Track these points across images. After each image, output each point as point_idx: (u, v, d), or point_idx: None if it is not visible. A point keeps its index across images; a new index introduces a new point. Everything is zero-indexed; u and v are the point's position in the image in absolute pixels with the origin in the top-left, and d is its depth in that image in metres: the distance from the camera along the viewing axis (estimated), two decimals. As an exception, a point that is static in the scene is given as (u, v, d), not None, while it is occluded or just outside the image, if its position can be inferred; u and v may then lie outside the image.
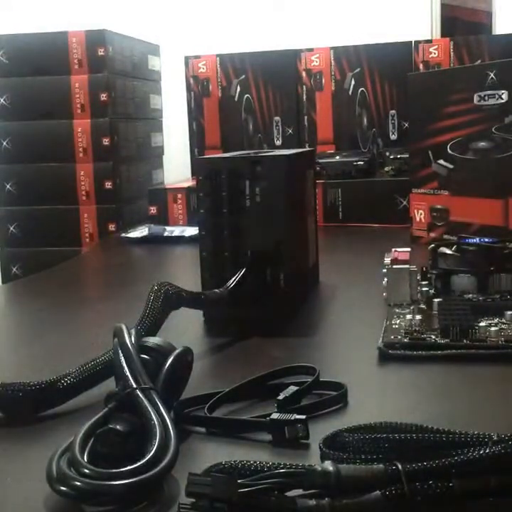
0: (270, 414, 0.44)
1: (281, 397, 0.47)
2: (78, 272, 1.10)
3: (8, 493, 0.39)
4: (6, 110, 1.39)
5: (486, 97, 0.98)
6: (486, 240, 0.81)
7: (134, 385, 0.43)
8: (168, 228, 1.24)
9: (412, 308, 0.69)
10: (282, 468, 0.34)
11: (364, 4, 1.87)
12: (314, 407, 0.47)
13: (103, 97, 1.38)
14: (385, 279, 0.71)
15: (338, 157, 1.38)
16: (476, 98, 0.99)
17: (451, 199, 1.05)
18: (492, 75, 0.97)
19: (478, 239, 0.83)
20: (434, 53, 1.44)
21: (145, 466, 0.37)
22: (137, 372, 0.44)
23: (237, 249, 0.69)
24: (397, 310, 0.69)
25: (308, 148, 1.26)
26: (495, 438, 0.35)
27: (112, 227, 1.41)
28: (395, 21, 1.83)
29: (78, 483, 0.36)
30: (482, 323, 0.61)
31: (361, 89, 1.47)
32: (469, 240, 0.82)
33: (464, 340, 0.59)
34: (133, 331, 0.49)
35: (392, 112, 1.47)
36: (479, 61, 1.39)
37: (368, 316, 0.70)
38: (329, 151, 1.44)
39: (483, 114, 0.98)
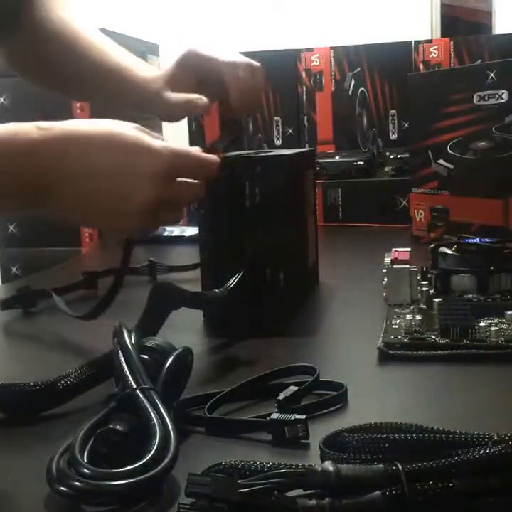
0: (270, 414, 0.44)
1: (281, 397, 0.47)
2: (78, 271, 1.10)
3: (8, 493, 0.39)
4: (5, 110, 1.39)
5: (486, 97, 0.98)
6: (486, 239, 0.81)
7: (134, 385, 0.43)
8: (168, 228, 1.24)
9: (412, 308, 0.69)
10: (282, 468, 0.34)
11: (364, 4, 1.87)
12: (314, 407, 0.47)
13: (103, 97, 1.38)
14: (385, 279, 0.71)
15: (338, 157, 1.38)
16: (475, 98, 0.99)
17: (451, 199, 1.05)
18: (492, 75, 0.97)
19: (478, 239, 0.83)
20: (434, 53, 1.44)
21: (145, 467, 0.37)
22: (137, 372, 0.44)
23: (237, 249, 0.69)
24: (397, 310, 0.69)
25: (308, 148, 1.26)
26: (495, 438, 0.35)
27: (111, 227, 1.41)
28: (395, 21, 1.83)
29: (78, 483, 0.36)
30: (482, 323, 0.61)
31: (361, 89, 1.47)
32: (469, 240, 0.82)
33: (464, 340, 0.59)
34: (133, 332, 0.49)
35: (392, 111, 1.47)
36: (479, 61, 1.39)
37: (368, 316, 0.70)
38: (329, 151, 1.44)
39: (483, 114, 0.98)
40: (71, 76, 0.81)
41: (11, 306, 0.79)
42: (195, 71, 0.74)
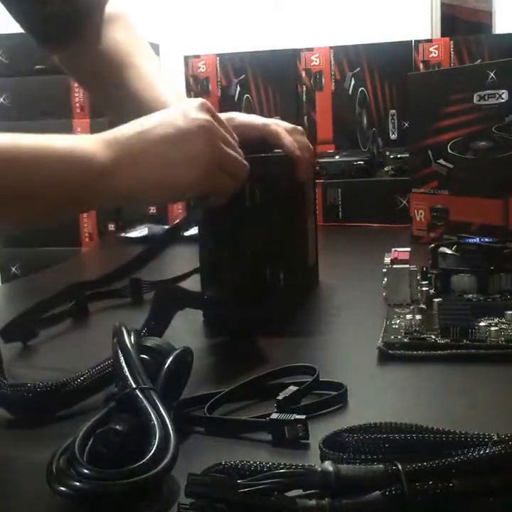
0: (270, 414, 0.44)
1: (281, 397, 0.47)
2: (78, 271, 1.10)
3: (9, 493, 0.39)
4: (5, 110, 1.39)
5: (486, 97, 0.97)
6: (486, 239, 0.81)
7: (134, 385, 0.43)
8: (167, 228, 1.24)
9: (412, 308, 0.69)
10: (282, 468, 0.34)
11: (364, 4, 1.87)
12: (314, 407, 0.47)
13: (103, 96, 1.38)
14: (385, 279, 0.71)
15: (338, 157, 1.38)
16: (475, 98, 0.99)
17: (451, 199, 1.05)
18: (492, 74, 0.97)
19: (478, 239, 0.83)
20: (434, 53, 1.44)
21: (144, 466, 0.36)
22: (137, 372, 0.44)
23: (237, 249, 0.69)
24: (397, 310, 0.69)
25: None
26: (495, 438, 0.35)
27: (111, 226, 1.41)
28: (395, 21, 1.83)
29: (77, 483, 0.36)
30: (482, 323, 0.61)
31: (361, 89, 1.47)
32: (469, 240, 0.82)
33: (464, 340, 0.59)
34: (132, 331, 0.48)
35: (392, 111, 1.47)
36: (479, 61, 1.39)
37: (368, 316, 0.70)
38: (329, 151, 1.44)
39: (483, 113, 0.98)
40: (116, 95, 0.83)
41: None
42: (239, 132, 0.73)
